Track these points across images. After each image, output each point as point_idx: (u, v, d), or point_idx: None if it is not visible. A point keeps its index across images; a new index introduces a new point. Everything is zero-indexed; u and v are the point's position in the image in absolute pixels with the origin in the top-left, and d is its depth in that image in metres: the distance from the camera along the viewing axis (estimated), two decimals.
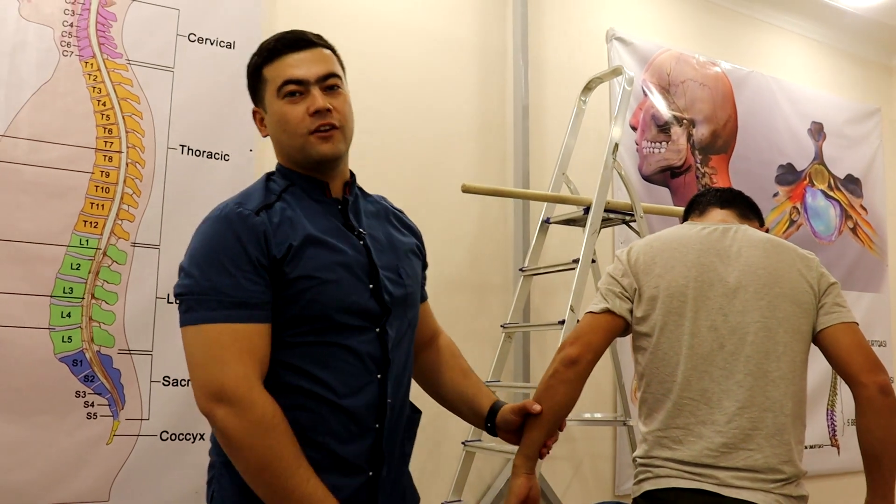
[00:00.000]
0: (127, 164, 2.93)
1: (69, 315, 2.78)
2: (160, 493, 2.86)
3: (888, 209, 5.70)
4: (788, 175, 5.11)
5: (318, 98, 1.62)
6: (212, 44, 3.15)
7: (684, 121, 4.60)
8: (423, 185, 3.64)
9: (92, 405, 2.78)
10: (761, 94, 5.02)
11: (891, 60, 5.95)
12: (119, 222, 2.89)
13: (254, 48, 3.14)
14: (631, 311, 2.05)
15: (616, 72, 3.78)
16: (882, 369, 1.91)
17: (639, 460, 2.01)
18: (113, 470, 2.79)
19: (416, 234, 1.89)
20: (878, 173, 5.65)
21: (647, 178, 4.40)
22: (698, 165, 4.63)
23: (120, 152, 2.92)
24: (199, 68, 3.10)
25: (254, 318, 1.51)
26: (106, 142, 2.90)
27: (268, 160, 3.26)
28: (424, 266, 1.93)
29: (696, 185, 4.56)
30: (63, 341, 2.76)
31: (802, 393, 1.97)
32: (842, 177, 5.43)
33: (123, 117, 2.94)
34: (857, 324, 1.98)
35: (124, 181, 2.91)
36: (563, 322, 3.15)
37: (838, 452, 4.97)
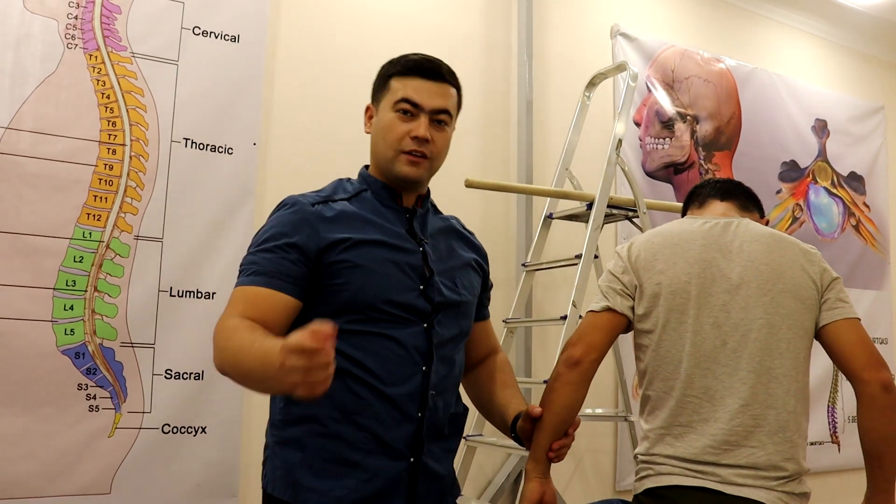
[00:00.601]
0: (130, 157, 2.93)
1: (72, 308, 2.78)
2: (162, 485, 2.87)
3: (891, 207, 5.69)
4: (792, 172, 5.10)
5: (423, 126, 1.75)
6: (216, 37, 3.14)
7: (688, 117, 4.59)
8: None
9: (94, 398, 2.79)
10: (765, 90, 5.01)
11: (895, 58, 5.94)
12: (122, 215, 2.89)
13: (259, 41, 3.21)
14: (633, 309, 2.04)
15: (620, 68, 3.78)
16: (884, 366, 1.90)
17: (640, 457, 2.00)
18: (115, 462, 2.80)
19: (480, 252, 1.99)
20: (881, 171, 5.64)
21: (650, 175, 4.39)
22: (702, 162, 4.62)
23: (124, 145, 2.92)
24: (204, 62, 3.10)
25: (265, 284, 1.63)
26: (110, 135, 2.90)
27: (272, 154, 3.29)
28: (486, 285, 2.01)
29: (699, 181, 4.55)
30: (65, 334, 2.76)
31: (805, 389, 1.96)
32: (845, 174, 5.42)
33: (127, 110, 2.94)
34: (860, 320, 1.97)
35: (128, 174, 2.92)
36: (565, 318, 3.15)
37: (839, 449, 4.97)
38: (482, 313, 2.01)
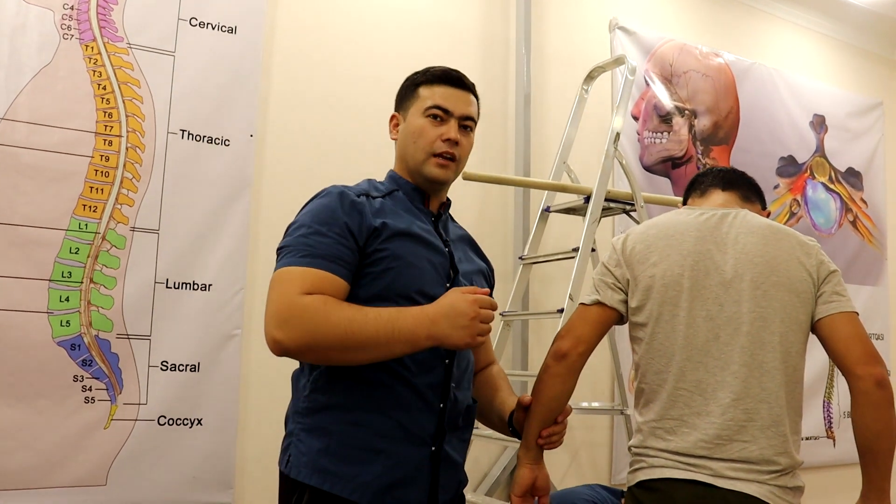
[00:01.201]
0: (127, 149, 2.92)
1: (68, 299, 2.78)
2: (157, 477, 2.87)
3: (888, 203, 5.69)
4: (789, 167, 5.10)
5: (453, 130, 1.87)
6: (213, 28, 3.14)
7: (686, 111, 4.59)
8: None
9: (90, 389, 2.79)
10: (764, 85, 5.01)
11: (894, 54, 5.94)
12: (118, 207, 2.89)
13: (256, 33, 3.21)
14: (624, 303, 2.03)
15: (618, 61, 3.77)
16: (879, 362, 1.88)
17: (634, 449, 2.00)
18: (110, 454, 2.80)
19: (488, 263, 2.10)
20: (879, 167, 5.65)
21: (648, 169, 4.39)
22: (699, 156, 4.62)
23: (120, 136, 2.91)
24: (201, 53, 3.09)
25: (326, 268, 1.67)
26: (106, 126, 2.89)
27: (269, 146, 3.29)
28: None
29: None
30: (61, 325, 2.76)
31: (799, 384, 1.95)
32: (843, 170, 5.42)
33: (124, 101, 2.93)
34: (857, 314, 1.94)
35: (124, 165, 2.91)
36: (561, 311, 3.15)
37: (834, 444, 4.98)
38: None
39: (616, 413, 3.82)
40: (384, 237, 1.75)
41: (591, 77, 3.82)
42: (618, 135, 3.50)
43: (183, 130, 3.03)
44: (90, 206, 2.84)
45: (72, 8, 2.88)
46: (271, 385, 3.04)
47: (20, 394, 2.68)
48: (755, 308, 1.90)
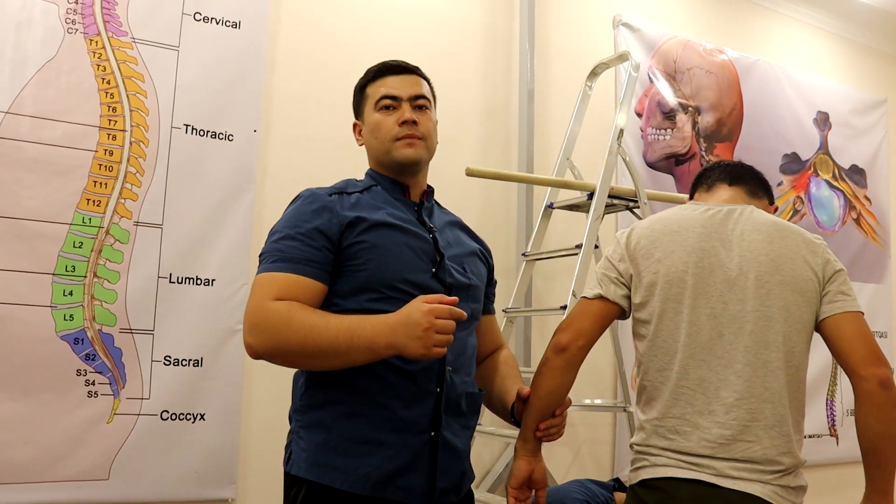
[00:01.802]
0: (131, 143, 2.92)
1: (71, 293, 2.78)
2: (160, 472, 2.87)
3: (892, 200, 5.68)
4: (793, 164, 5.10)
5: (407, 111, 1.89)
6: (217, 23, 3.13)
7: (690, 108, 4.59)
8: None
9: (93, 384, 2.79)
10: (767, 82, 5.00)
11: None
12: (122, 201, 2.89)
13: (260, 28, 3.20)
14: (627, 297, 2.02)
15: (622, 57, 3.76)
16: (883, 362, 1.86)
17: (636, 448, 1.99)
18: (113, 448, 2.80)
19: (482, 244, 2.09)
20: (882, 164, 5.63)
21: (651, 165, 4.38)
22: (703, 153, 4.61)
23: (124, 131, 2.91)
24: (205, 48, 3.09)
25: (295, 270, 1.71)
26: (110, 120, 2.89)
27: (272, 141, 3.28)
28: (491, 279, 2.11)
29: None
30: (65, 319, 2.76)
31: (802, 383, 1.94)
32: (846, 167, 5.41)
33: (128, 96, 2.93)
34: (862, 313, 1.93)
35: (128, 160, 2.91)
36: (564, 307, 3.14)
37: (837, 443, 4.97)
38: (487, 307, 2.08)
39: (619, 410, 3.82)
40: (361, 229, 1.77)
41: (594, 73, 3.81)
42: (621, 131, 3.49)
43: (187, 125, 3.03)
44: (94, 201, 2.84)
45: (76, 2, 2.88)
46: (274, 380, 3.04)
47: (23, 388, 2.68)
48: (759, 307, 1.89)
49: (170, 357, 2.92)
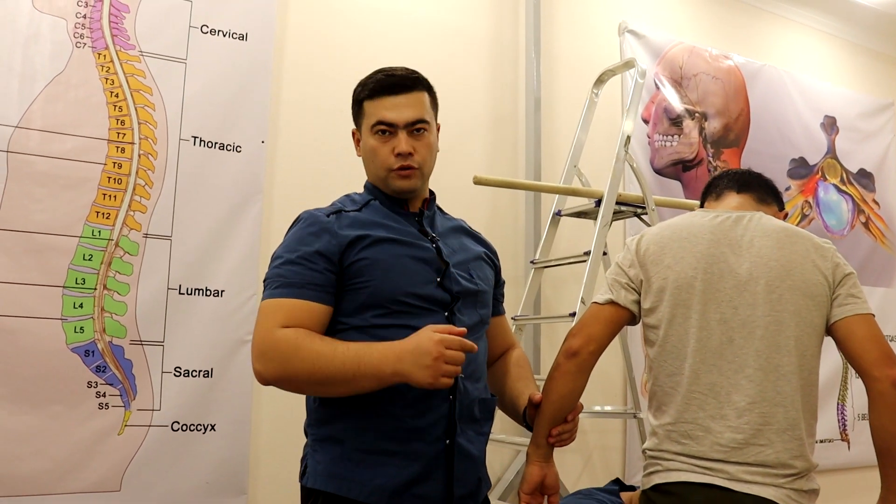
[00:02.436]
0: (139, 156, 2.93)
1: (81, 306, 2.79)
2: (171, 483, 2.87)
3: None
4: (801, 169, 5.09)
5: (403, 142, 1.84)
6: (224, 35, 3.15)
7: (696, 114, 4.59)
8: (434, 177, 3.59)
9: (104, 395, 2.80)
10: (774, 87, 5.00)
11: None
12: (131, 213, 2.90)
13: (266, 40, 3.22)
14: (637, 303, 2.03)
15: (628, 64, 3.77)
16: None
17: (649, 452, 1.99)
18: (124, 460, 2.80)
19: (489, 248, 2.07)
20: (890, 167, 5.62)
21: (658, 172, 4.38)
22: (710, 159, 4.61)
23: (132, 143, 2.93)
24: (212, 60, 3.11)
25: (298, 295, 1.71)
26: (118, 133, 2.91)
27: (280, 152, 3.29)
28: (499, 281, 2.10)
29: (708, 178, 4.55)
30: (75, 332, 2.77)
31: (814, 387, 1.94)
32: (854, 171, 5.40)
33: (136, 109, 2.94)
34: (874, 315, 1.94)
35: (136, 172, 2.92)
36: (573, 314, 3.14)
37: (848, 447, 4.95)
38: (497, 309, 2.08)
39: (629, 416, 3.81)
40: (361, 247, 1.77)
41: (601, 81, 3.82)
42: (628, 138, 3.49)
43: (195, 137, 3.04)
44: (103, 213, 2.85)
45: (84, 16, 2.90)
46: (284, 391, 3.05)
47: (34, 400, 2.69)
48: (770, 312, 1.89)
49: (180, 368, 2.93)
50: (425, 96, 1.91)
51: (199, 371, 2.96)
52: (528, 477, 1.95)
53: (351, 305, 1.76)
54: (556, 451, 1.99)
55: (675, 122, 4.49)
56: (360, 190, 1.98)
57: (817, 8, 5.28)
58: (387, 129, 1.85)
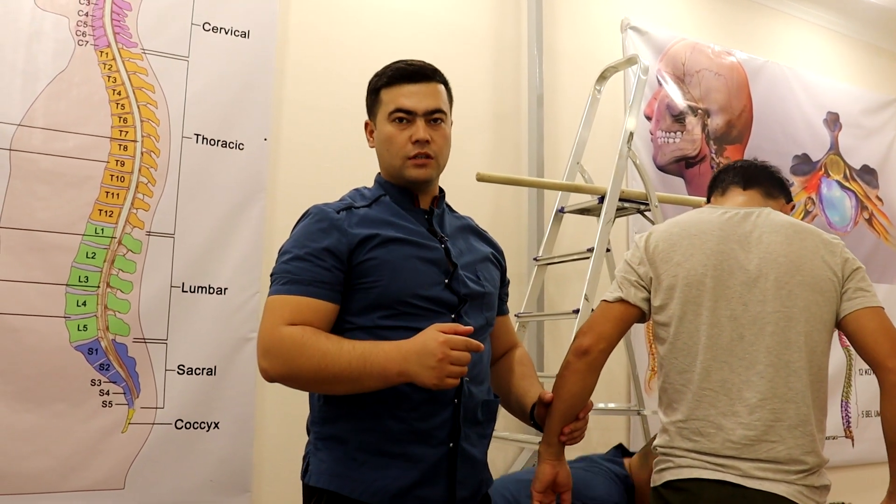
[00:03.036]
0: (142, 153, 2.93)
1: (84, 304, 2.79)
2: (175, 481, 2.87)
3: None
4: (804, 165, 5.08)
5: (421, 129, 1.83)
6: (227, 33, 3.14)
7: (699, 111, 4.58)
8: None
9: (107, 393, 2.80)
10: (777, 83, 4.99)
11: None
12: (134, 211, 2.90)
13: (269, 37, 3.21)
14: (647, 300, 2.03)
15: (631, 61, 3.76)
16: None
17: (660, 449, 1.99)
18: (128, 458, 2.80)
19: (496, 248, 2.07)
20: (894, 164, 5.61)
21: (661, 168, 4.38)
22: (713, 155, 4.60)
23: (135, 141, 2.92)
24: (214, 57, 3.10)
25: (305, 293, 1.70)
26: (121, 131, 2.90)
27: (282, 149, 3.29)
28: (504, 280, 2.09)
29: (711, 175, 4.54)
30: (78, 330, 2.77)
31: (824, 382, 1.94)
32: (857, 167, 5.39)
33: (138, 106, 2.94)
34: (883, 308, 1.95)
35: (139, 170, 2.92)
36: (577, 311, 3.14)
37: (852, 444, 4.95)
38: (501, 308, 2.07)
39: (632, 413, 3.81)
40: (370, 246, 1.76)
41: (603, 77, 3.81)
42: (631, 134, 3.49)
43: (197, 135, 3.04)
44: (106, 211, 2.85)
45: (86, 14, 2.89)
46: (287, 388, 3.04)
47: (38, 398, 2.69)
48: (780, 308, 1.90)
49: (183, 366, 2.92)
50: (443, 89, 1.91)
51: (203, 369, 2.96)
52: (541, 475, 1.95)
53: (358, 305, 1.76)
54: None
55: (678, 118, 4.48)
56: (368, 184, 1.96)
57: (820, 4, 5.27)
58: (405, 117, 1.83)
